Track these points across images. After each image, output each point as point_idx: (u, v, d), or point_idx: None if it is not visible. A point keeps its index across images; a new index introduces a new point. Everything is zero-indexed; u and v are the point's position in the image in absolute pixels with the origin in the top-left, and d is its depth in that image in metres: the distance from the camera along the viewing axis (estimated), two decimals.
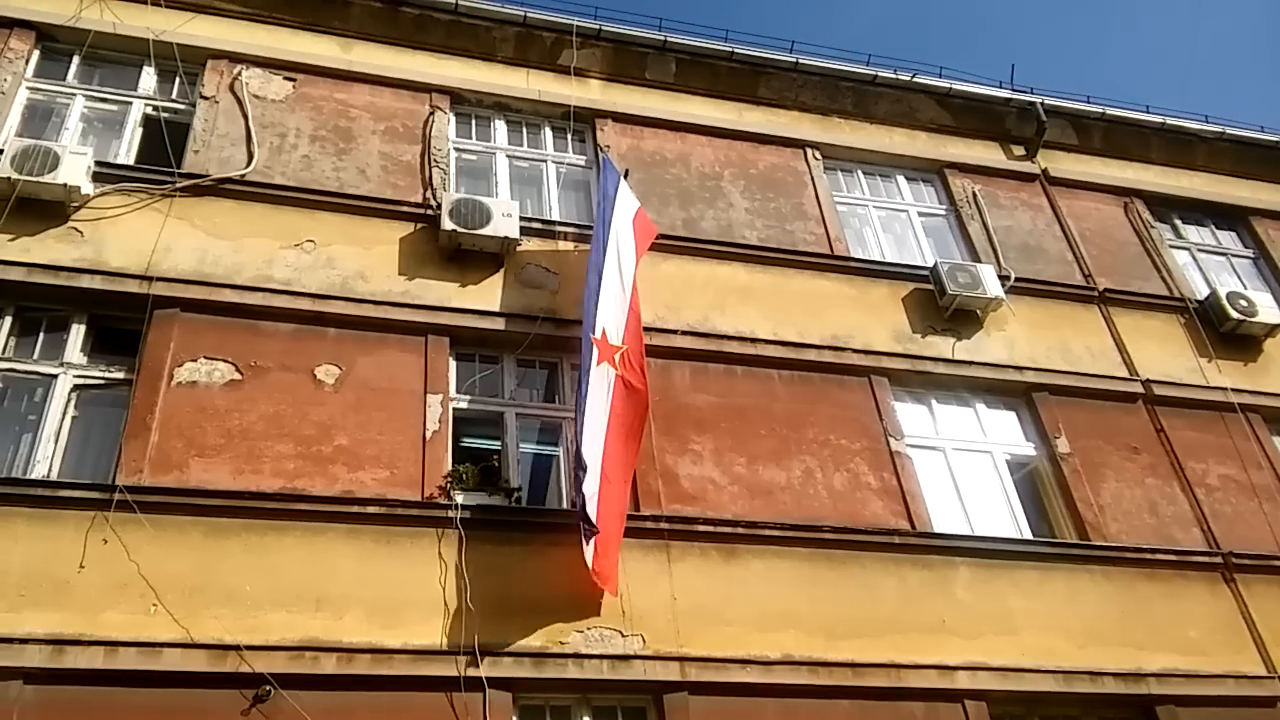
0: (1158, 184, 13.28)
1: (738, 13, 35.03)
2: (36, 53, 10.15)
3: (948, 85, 12.87)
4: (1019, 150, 13.03)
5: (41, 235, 8.64)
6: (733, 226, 10.95)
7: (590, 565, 7.50)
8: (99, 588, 7.01)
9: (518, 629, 7.54)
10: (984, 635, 8.52)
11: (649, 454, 8.74)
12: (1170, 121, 13.55)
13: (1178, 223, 13.21)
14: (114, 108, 10.15)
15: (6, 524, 7.15)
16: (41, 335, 8.42)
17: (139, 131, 10.04)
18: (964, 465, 9.92)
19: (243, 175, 9.58)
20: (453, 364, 9.06)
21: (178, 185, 9.26)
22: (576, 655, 7.56)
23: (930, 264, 11.08)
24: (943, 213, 12.25)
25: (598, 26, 11.79)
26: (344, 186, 9.88)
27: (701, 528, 8.48)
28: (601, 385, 8.38)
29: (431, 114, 10.79)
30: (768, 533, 8.61)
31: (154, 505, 7.40)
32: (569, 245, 10.04)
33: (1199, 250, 13.05)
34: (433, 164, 10.34)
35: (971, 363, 10.48)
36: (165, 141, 9.63)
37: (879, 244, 11.69)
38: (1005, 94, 13.11)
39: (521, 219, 9.80)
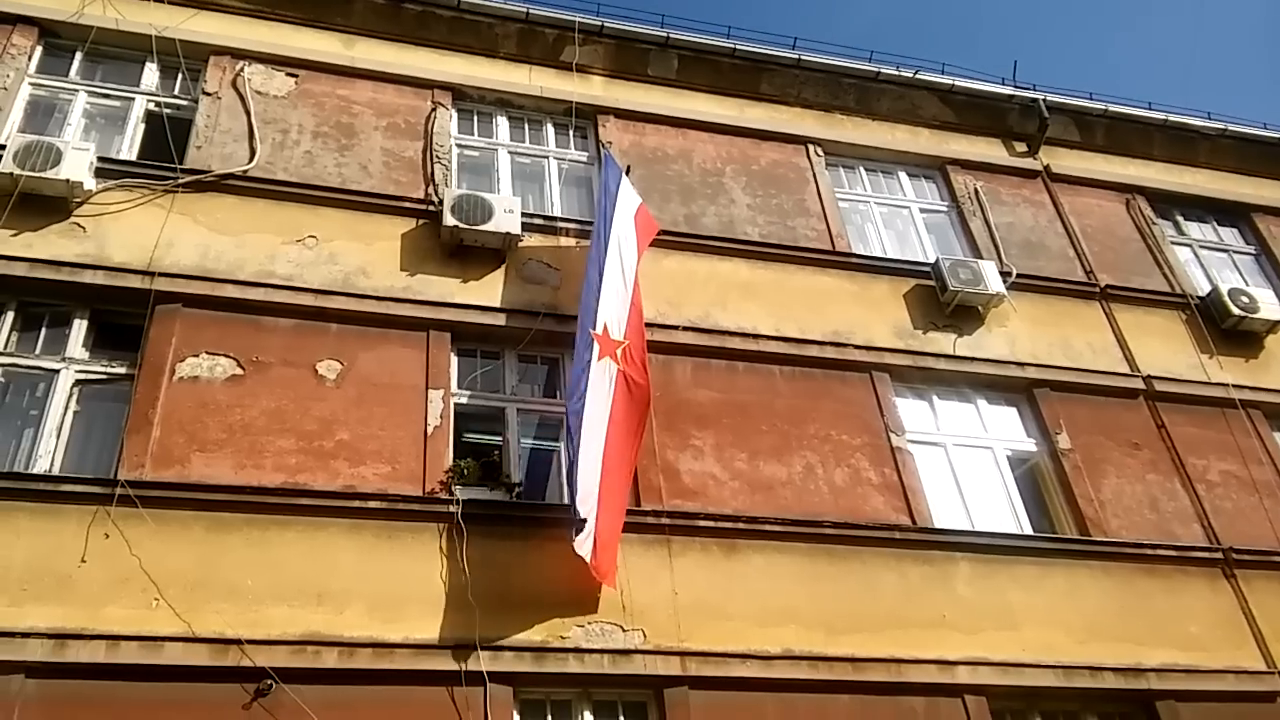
0: (1160, 180, 13.28)
1: (740, 9, 34.98)
2: (39, 49, 10.18)
3: (950, 82, 12.87)
4: (1021, 147, 13.03)
5: (44, 231, 8.66)
6: (734, 223, 10.96)
7: (588, 560, 7.51)
8: (101, 582, 7.04)
9: (519, 623, 7.56)
10: (984, 630, 8.53)
11: (650, 449, 8.76)
12: (1172, 118, 13.54)
13: (1180, 219, 13.21)
14: (116, 104, 10.17)
15: (9, 519, 7.17)
16: (44, 330, 8.45)
17: (141, 127, 10.07)
18: (965, 461, 9.93)
19: (245, 171, 9.60)
20: (454, 359, 9.08)
21: (180, 181, 9.28)
22: (577, 650, 7.58)
23: (932, 260, 11.08)
24: (944, 209, 12.25)
25: (600, 23, 11.80)
26: (346, 182, 9.89)
27: (702, 523, 8.50)
28: (603, 380, 8.39)
29: (434, 110, 10.80)
30: (769, 528, 8.62)
31: (156, 500, 7.42)
32: (571, 241, 10.06)
33: (1201, 247, 13.05)
34: (435, 160, 10.36)
35: (973, 359, 10.48)
36: (168, 137, 9.64)
37: (881, 240, 11.70)
38: (1008, 91, 13.11)
39: (523, 215, 9.81)
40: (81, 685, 6.64)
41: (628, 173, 10.23)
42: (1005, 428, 10.37)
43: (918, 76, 12.81)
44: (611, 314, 8.79)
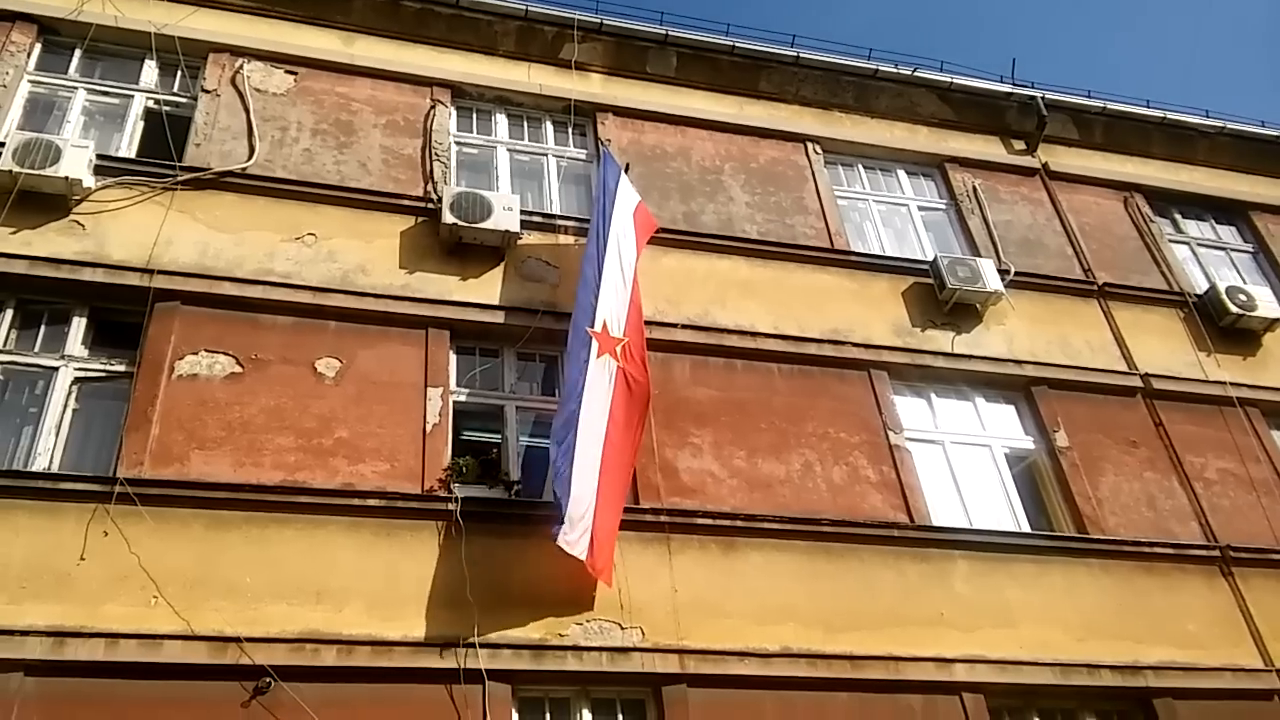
0: (1158, 178, 13.29)
1: (739, 7, 35.01)
2: (38, 46, 10.18)
3: (949, 79, 12.88)
4: (1019, 145, 13.04)
5: (43, 228, 8.67)
6: (733, 220, 10.96)
7: (582, 558, 7.52)
8: (100, 580, 7.04)
9: (517, 621, 7.57)
10: (982, 628, 8.55)
11: (649, 447, 8.77)
12: (1170, 116, 13.55)
13: (1177, 217, 13.22)
14: (115, 101, 10.17)
15: (7, 516, 7.18)
16: (43, 328, 8.45)
17: (140, 125, 10.06)
18: (963, 459, 9.94)
19: (244, 169, 9.60)
20: (453, 357, 9.08)
21: (179, 179, 9.28)
22: (576, 647, 7.59)
23: (930, 258, 11.09)
24: (943, 207, 12.26)
25: (599, 20, 11.80)
26: (345, 180, 9.90)
27: (701, 521, 8.51)
28: (603, 377, 8.40)
29: (433, 108, 10.80)
30: (767, 526, 8.63)
31: (155, 498, 7.42)
32: (569, 239, 10.06)
33: (1199, 245, 13.06)
34: (434, 157, 10.36)
35: (971, 356, 10.49)
36: (167, 135, 9.65)
37: (879, 238, 11.71)
38: (1006, 88, 13.12)
39: (522, 213, 9.81)
40: (80, 683, 6.64)
41: (627, 170, 10.23)
42: (1003, 426, 10.38)
43: (916, 74, 12.81)
44: (611, 311, 8.80)
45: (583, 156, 11.23)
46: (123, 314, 8.53)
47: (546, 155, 11.16)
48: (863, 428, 9.62)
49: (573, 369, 8.32)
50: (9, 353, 8.24)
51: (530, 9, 11.58)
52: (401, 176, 10.12)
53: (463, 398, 8.94)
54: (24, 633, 6.69)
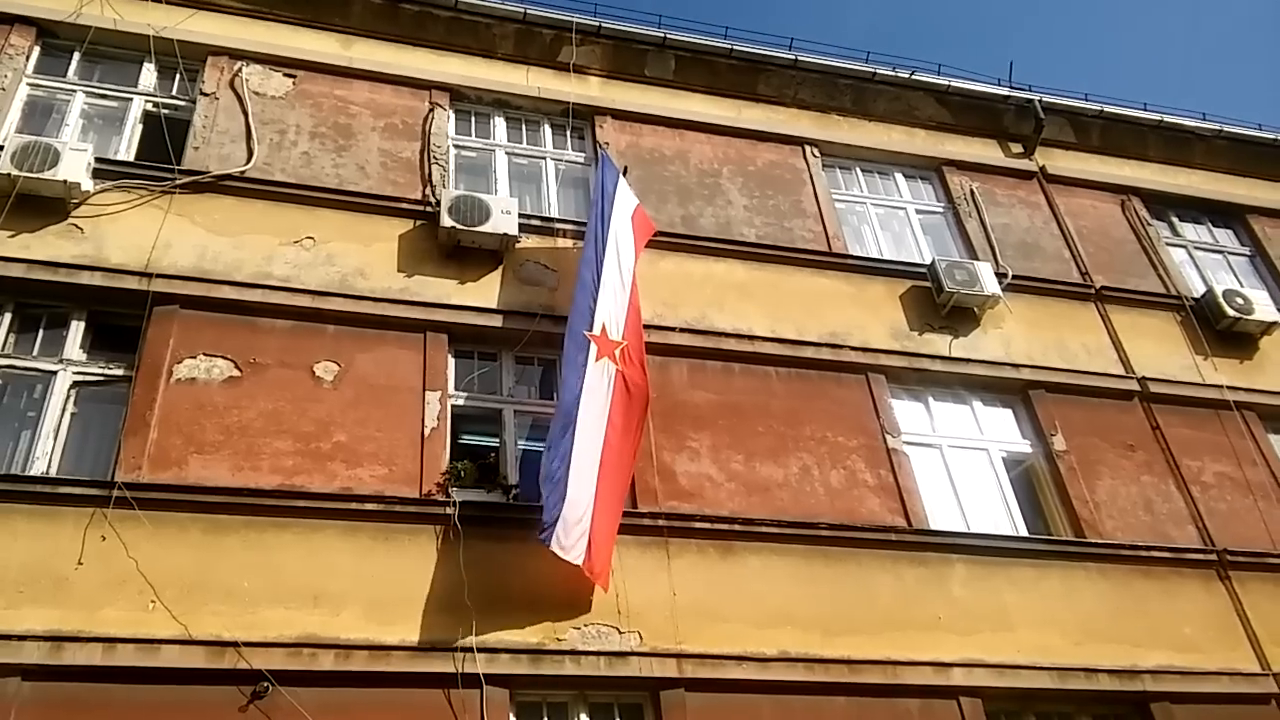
0: (1155, 182, 13.30)
1: (737, 10, 35.03)
2: (37, 49, 10.17)
3: (946, 83, 12.89)
4: (1017, 148, 13.05)
5: (41, 232, 8.66)
6: (731, 224, 10.97)
7: (574, 562, 7.54)
8: (97, 584, 7.04)
9: (515, 626, 7.58)
10: (980, 632, 8.56)
11: (647, 451, 8.77)
12: (1168, 119, 13.56)
13: (1175, 220, 13.24)
14: (114, 104, 10.17)
15: (5, 521, 7.18)
16: (41, 332, 8.44)
17: (139, 128, 10.06)
18: (960, 462, 9.95)
19: (242, 172, 9.60)
20: (451, 361, 9.09)
21: (177, 182, 9.28)
22: (574, 652, 7.59)
23: (928, 261, 11.11)
24: (940, 210, 12.27)
25: (597, 24, 11.80)
26: (343, 183, 9.90)
27: (699, 525, 8.51)
28: (601, 381, 8.41)
29: (431, 111, 10.80)
30: (765, 530, 8.64)
31: (153, 502, 7.42)
32: (568, 242, 10.06)
33: (1196, 248, 13.08)
34: (432, 161, 10.36)
35: (968, 360, 10.50)
36: (165, 138, 9.64)
37: (877, 241, 11.72)
38: (1003, 91, 13.13)
39: (520, 216, 9.82)
40: (78, 688, 6.63)
41: (625, 173, 10.23)
42: (1000, 429, 10.40)
43: (914, 77, 12.83)
44: (610, 314, 8.81)
45: (581, 160, 11.24)
46: (121, 318, 8.53)
47: (545, 158, 11.17)
48: (860, 431, 9.63)
49: (570, 372, 8.33)
50: (7, 356, 8.24)
51: (529, 12, 11.59)
52: (400, 180, 10.13)
53: (461, 401, 8.94)
54: (21, 637, 6.68)
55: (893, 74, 12.75)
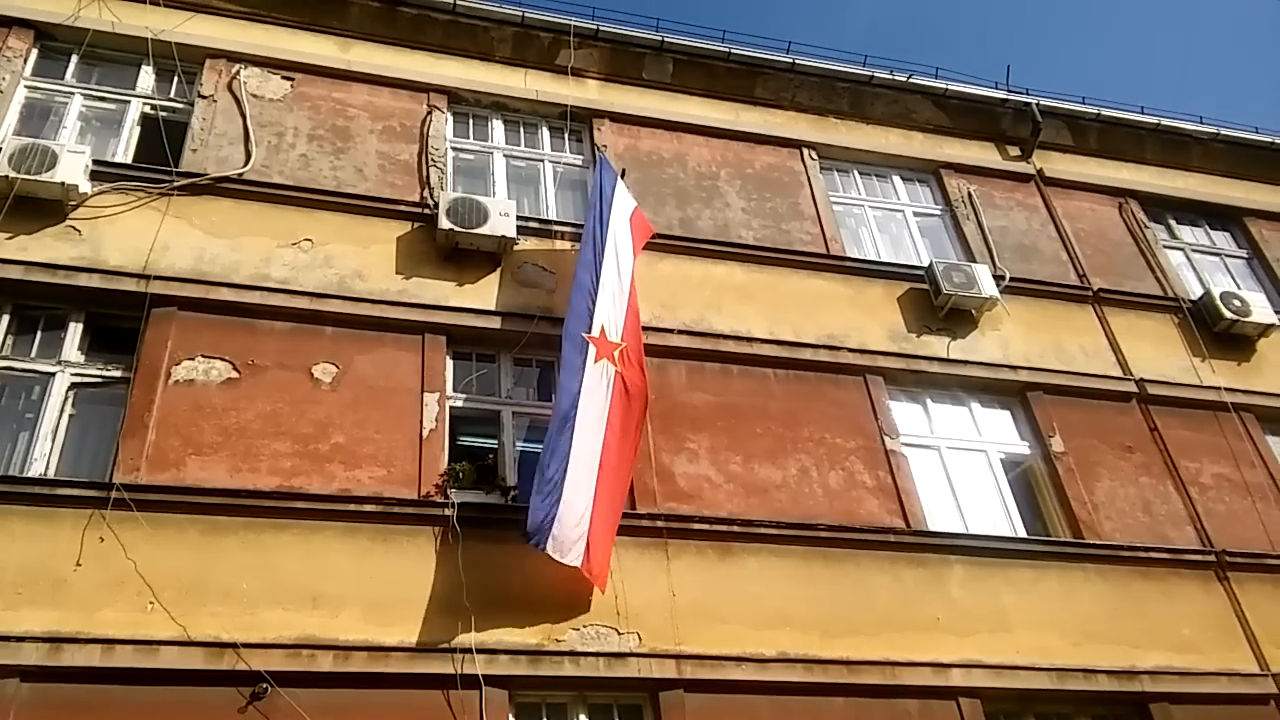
0: (1152, 184, 13.33)
1: (735, 13, 35.09)
2: (35, 51, 10.17)
3: (944, 86, 12.91)
4: (1014, 151, 13.07)
5: (39, 234, 8.66)
6: (729, 226, 10.98)
7: (578, 566, 7.56)
8: (96, 586, 7.03)
9: (514, 627, 7.58)
10: (978, 633, 8.56)
11: (645, 452, 8.77)
12: (1165, 122, 13.60)
13: (1172, 223, 13.26)
14: (112, 106, 10.16)
15: (3, 522, 7.17)
16: (39, 333, 8.44)
17: (137, 130, 10.06)
18: (959, 464, 9.95)
19: (240, 174, 9.60)
20: (449, 363, 9.08)
21: (175, 184, 9.28)
22: (573, 653, 7.59)
23: (926, 264, 11.12)
24: (938, 213, 12.28)
25: (595, 27, 11.82)
26: (341, 185, 9.90)
27: (697, 526, 8.51)
28: (600, 383, 8.42)
29: (429, 113, 10.81)
30: (763, 531, 8.64)
31: (151, 503, 7.42)
32: (566, 244, 10.06)
33: (1193, 250, 13.10)
34: (430, 163, 10.37)
35: (966, 362, 10.52)
36: (163, 140, 9.65)
37: (875, 244, 11.73)
38: (1001, 95, 13.15)
39: (518, 218, 9.82)
40: (76, 689, 6.63)
41: (623, 176, 10.24)
42: (999, 431, 10.40)
43: (911, 80, 12.85)
44: (608, 316, 8.82)
45: (579, 162, 11.25)
46: (119, 319, 8.52)
47: (543, 161, 11.17)
48: (859, 433, 9.64)
49: (567, 375, 8.33)
50: (5, 358, 8.23)
51: (526, 15, 11.60)
52: (398, 182, 10.13)
53: (459, 403, 8.94)
54: (20, 639, 6.67)
55: (890, 77, 12.77)
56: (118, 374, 8.29)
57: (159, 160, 9.44)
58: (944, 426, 10.21)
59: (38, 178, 8.61)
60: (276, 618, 7.21)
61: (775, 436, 9.36)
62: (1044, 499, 10.00)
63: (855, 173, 12.39)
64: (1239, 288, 12.33)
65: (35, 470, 7.67)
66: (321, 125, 10.35)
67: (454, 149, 10.90)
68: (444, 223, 9.44)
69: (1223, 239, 13.44)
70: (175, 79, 10.40)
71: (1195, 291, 12.16)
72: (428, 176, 10.24)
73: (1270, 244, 13.27)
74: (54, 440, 7.89)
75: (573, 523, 7.63)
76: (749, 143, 11.92)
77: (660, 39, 12.03)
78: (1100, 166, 13.28)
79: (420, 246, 9.64)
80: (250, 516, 7.62)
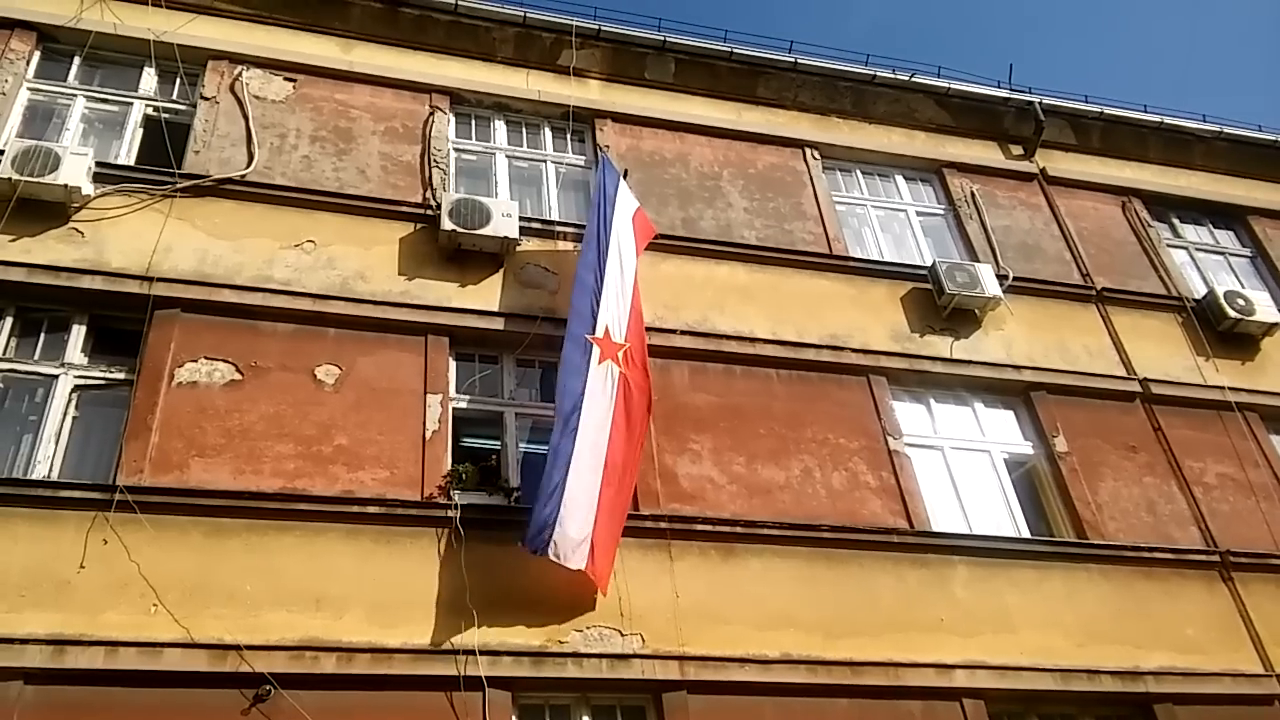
0: (1155, 183, 13.31)
1: (737, 13, 35.06)
2: (37, 53, 10.17)
3: (946, 85, 12.89)
4: (1017, 150, 13.05)
5: (42, 236, 8.66)
6: (731, 226, 10.97)
7: (583, 568, 7.56)
8: (99, 588, 7.04)
9: (517, 628, 7.58)
10: (982, 634, 8.55)
11: (648, 453, 8.76)
12: (1168, 121, 13.57)
13: (1175, 222, 13.24)
14: (115, 108, 10.17)
15: (7, 524, 7.18)
16: (42, 336, 8.44)
17: (139, 132, 10.06)
18: (962, 464, 9.94)
19: (243, 176, 9.60)
20: (452, 364, 9.09)
21: (178, 186, 9.28)
22: (576, 654, 7.59)
23: (929, 263, 11.11)
24: (941, 212, 12.27)
25: (597, 27, 11.81)
26: (344, 187, 9.90)
27: (700, 527, 8.51)
28: (605, 384, 8.42)
29: (431, 114, 10.81)
30: (766, 532, 8.63)
31: (154, 505, 7.42)
32: (568, 245, 10.06)
33: (1197, 249, 13.08)
34: (432, 164, 10.37)
35: (970, 362, 10.50)
36: (166, 142, 9.64)
37: (877, 244, 11.72)
38: (1003, 93, 13.13)
39: (521, 219, 9.82)
40: (80, 691, 6.63)
41: (625, 176, 10.24)
42: (1002, 431, 10.39)
43: (914, 80, 12.83)
44: (612, 317, 8.82)
45: (581, 163, 11.24)
46: (122, 321, 8.53)
47: (545, 161, 11.17)
48: (862, 433, 9.63)
49: (570, 376, 8.32)
50: (9, 361, 8.23)
51: (528, 15, 11.59)
52: (400, 183, 10.13)
53: (462, 404, 8.94)
54: (24, 641, 6.68)
55: (893, 76, 12.75)
56: (121, 376, 8.30)
57: (162, 162, 9.45)
58: (947, 427, 10.20)
59: (41, 180, 8.61)
60: (280, 620, 7.21)
61: (778, 437, 9.35)
62: (1048, 499, 9.99)
63: (858, 172, 12.38)
64: (1243, 286, 12.30)
65: (39, 472, 7.68)
66: (324, 126, 10.35)
67: (456, 150, 10.90)
68: (446, 224, 9.44)
69: (1226, 238, 13.41)
70: (178, 81, 10.40)
71: (1199, 290, 12.14)
72: (430, 177, 10.24)
73: (1274, 242, 13.25)
74: (57, 442, 7.90)
75: (576, 526, 7.62)
76: (751, 142, 11.91)
77: (662, 39, 12.03)
78: (1103, 165, 13.26)
79: (423, 248, 9.64)
80: (253, 518, 7.62)
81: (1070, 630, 8.78)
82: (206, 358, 8.39)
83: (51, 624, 6.81)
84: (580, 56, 11.76)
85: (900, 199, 12.31)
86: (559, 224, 10.34)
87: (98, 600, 6.98)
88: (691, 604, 8.06)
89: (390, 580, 7.59)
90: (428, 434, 8.44)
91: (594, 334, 8.60)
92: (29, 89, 9.95)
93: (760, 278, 10.55)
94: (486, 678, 7.22)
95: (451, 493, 8.16)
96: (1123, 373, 10.98)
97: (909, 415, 10.08)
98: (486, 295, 9.49)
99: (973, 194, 12.30)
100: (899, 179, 12.47)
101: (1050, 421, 10.32)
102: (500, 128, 11.28)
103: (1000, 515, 9.66)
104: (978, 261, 11.31)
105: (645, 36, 12.00)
